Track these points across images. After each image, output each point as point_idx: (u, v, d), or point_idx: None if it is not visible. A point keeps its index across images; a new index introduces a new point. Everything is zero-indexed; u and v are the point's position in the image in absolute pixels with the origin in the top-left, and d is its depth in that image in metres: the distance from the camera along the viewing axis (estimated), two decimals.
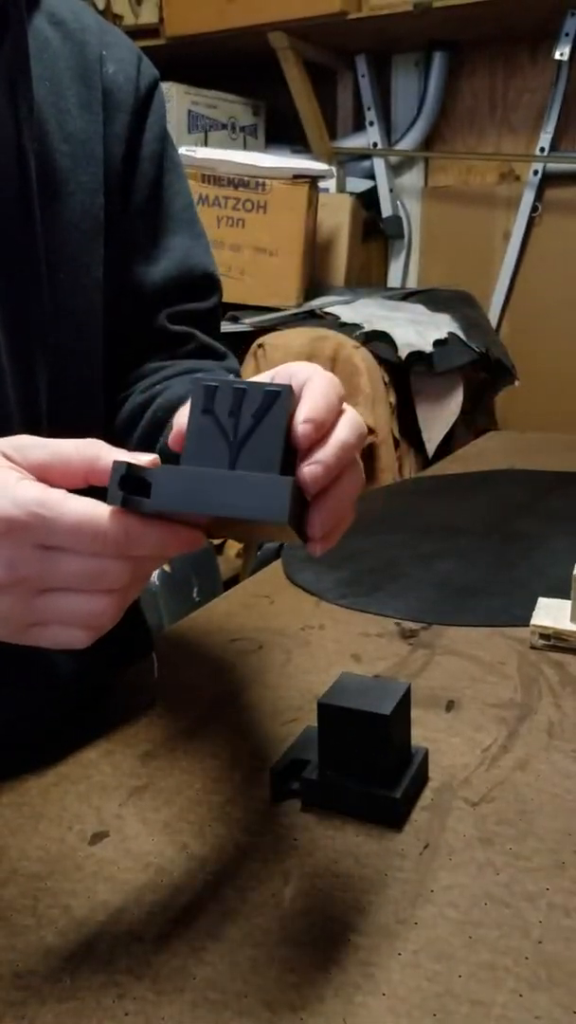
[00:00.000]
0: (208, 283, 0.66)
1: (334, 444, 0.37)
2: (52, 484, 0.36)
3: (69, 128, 0.56)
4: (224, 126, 2.23)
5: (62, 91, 0.56)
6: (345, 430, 0.37)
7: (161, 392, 0.59)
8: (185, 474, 0.34)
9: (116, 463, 0.34)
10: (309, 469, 0.35)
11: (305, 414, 0.36)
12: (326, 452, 0.36)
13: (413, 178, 2.32)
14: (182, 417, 0.37)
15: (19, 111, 0.51)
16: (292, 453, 0.36)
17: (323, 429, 0.36)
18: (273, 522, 0.34)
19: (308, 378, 0.38)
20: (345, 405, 0.39)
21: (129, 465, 0.34)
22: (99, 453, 0.36)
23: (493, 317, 2.18)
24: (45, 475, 0.36)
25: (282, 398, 0.35)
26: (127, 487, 0.34)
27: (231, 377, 0.36)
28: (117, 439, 0.62)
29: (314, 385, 0.38)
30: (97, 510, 0.34)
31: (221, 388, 0.35)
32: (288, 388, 0.36)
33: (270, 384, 0.36)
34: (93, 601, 0.35)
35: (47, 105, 0.54)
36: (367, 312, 1.85)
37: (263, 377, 0.40)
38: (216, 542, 1.71)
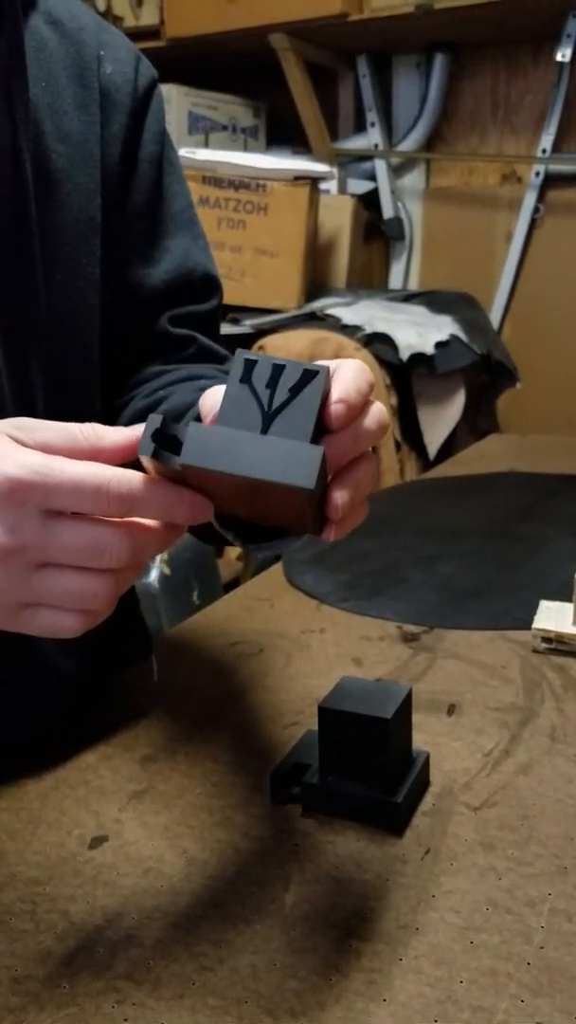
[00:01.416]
0: (208, 284, 0.66)
1: (357, 426, 0.37)
2: None
3: (65, 128, 0.56)
4: (225, 127, 2.23)
5: (59, 91, 0.56)
6: (370, 418, 0.38)
7: (165, 399, 0.59)
8: (217, 433, 0.35)
9: (151, 417, 0.35)
10: (335, 407, 0.36)
11: (338, 395, 0.36)
12: (350, 430, 0.37)
13: (414, 179, 2.31)
14: (208, 400, 0.38)
15: (15, 111, 0.51)
16: (321, 435, 0.37)
17: (355, 411, 0.37)
18: (299, 488, 0.34)
19: (339, 364, 0.39)
20: (372, 397, 0.39)
21: (163, 419, 0.35)
22: (103, 435, 0.36)
23: (495, 319, 2.18)
24: (51, 452, 0.36)
25: (319, 377, 0.36)
26: (158, 439, 0.35)
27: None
28: None
29: (346, 369, 0.38)
30: (99, 468, 0.34)
31: (261, 362, 0.36)
32: (326, 369, 0.36)
33: (309, 364, 0.36)
34: (89, 580, 0.35)
35: (43, 105, 0.54)
36: (368, 314, 1.85)
37: None
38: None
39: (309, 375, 0.36)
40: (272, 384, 0.36)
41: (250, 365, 0.36)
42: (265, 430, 0.35)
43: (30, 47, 0.53)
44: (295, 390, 0.36)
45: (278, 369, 0.36)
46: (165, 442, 0.35)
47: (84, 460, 0.36)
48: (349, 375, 0.38)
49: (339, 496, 0.36)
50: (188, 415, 0.53)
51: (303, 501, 0.35)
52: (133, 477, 0.35)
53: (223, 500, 0.37)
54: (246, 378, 0.36)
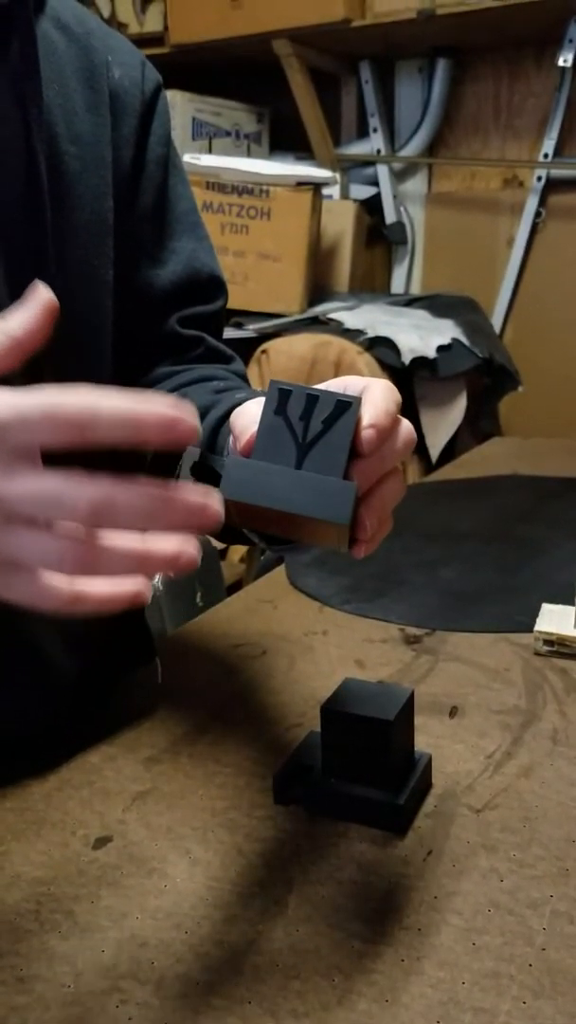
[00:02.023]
0: (214, 285, 0.66)
1: (385, 448, 0.38)
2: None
3: (77, 131, 0.56)
4: (228, 133, 2.24)
5: (69, 94, 0.56)
6: (398, 439, 0.39)
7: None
8: (254, 467, 0.36)
9: (188, 449, 0.36)
10: (366, 433, 0.36)
11: (369, 419, 0.37)
12: (379, 452, 0.38)
13: (416, 184, 2.32)
14: (242, 418, 0.38)
15: (29, 113, 0.52)
16: (352, 457, 0.38)
17: (384, 435, 0.38)
18: (335, 523, 0.36)
19: (367, 386, 0.40)
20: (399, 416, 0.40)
21: (202, 452, 0.37)
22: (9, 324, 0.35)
23: (497, 323, 2.18)
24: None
25: (352, 408, 0.37)
26: (197, 472, 0.36)
27: (303, 385, 0.38)
28: None
29: (375, 392, 0.39)
30: (63, 394, 0.32)
31: (295, 392, 0.37)
32: (358, 400, 0.37)
33: (343, 395, 0.37)
34: (54, 541, 0.32)
35: (55, 107, 0.55)
36: (370, 318, 1.85)
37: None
38: (219, 547, 1.71)
39: (343, 406, 0.37)
40: (306, 416, 0.37)
41: (284, 396, 0.37)
42: (300, 463, 0.37)
43: (41, 50, 0.54)
44: (328, 421, 0.37)
45: (312, 400, 0.37)
46: (203, 474, 0.36)
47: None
48: (379, 396, 0.38)
49: (368, 519, 0.38)
50: (221, 433, 0.52)
51: (338, 530, 0.37)
52: (88, 396, 0.32)
53: (261, 521, 0.38)
54: (280, 409, 0.37)
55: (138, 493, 0.32)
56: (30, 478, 0.33)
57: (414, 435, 0.40)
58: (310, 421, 0.37)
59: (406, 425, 0.40)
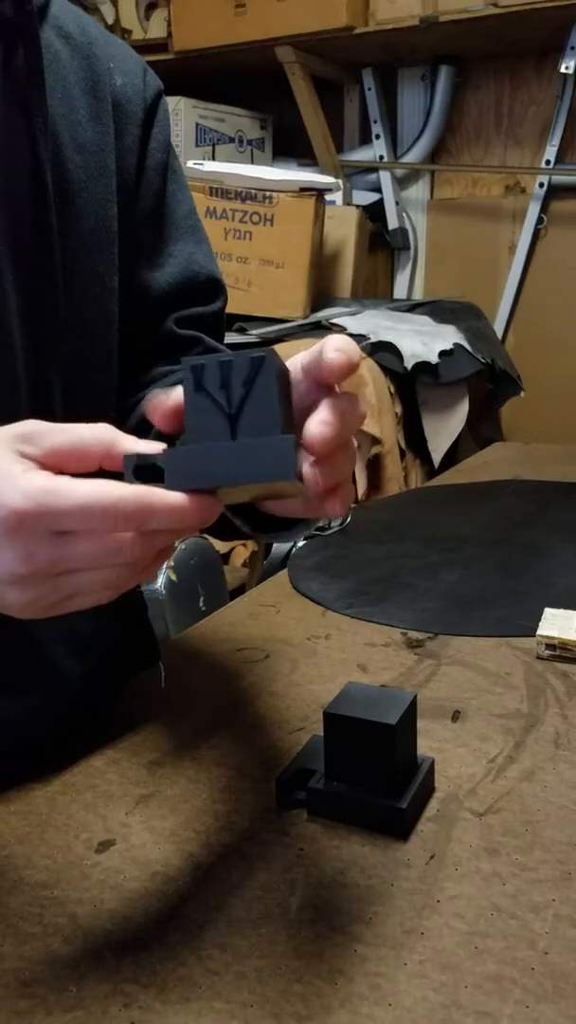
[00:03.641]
0: (213, 287, 0.67)
1: (338, 412, 0.37)
2: (66, 469, 0.36)
3: (81, 139, 0.57)
4: (231, 140, 2.25)
5: (73, 103, 0.57)
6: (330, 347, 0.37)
7: None
8: (192, 453, 0.36)
9: (126, 456, 0.36)
10: (318, 430, 0.36)
11: (335, 344, 0.36)
12: (331, 415, 0.36)
13: (419, 190, 2.33)
14: (159, 396, 0.38)
15: (34, 123, 0.52)
16: (288, 411, 0.37)
17: (353, 364, 0.36)
18: (282, 480, 0.35)
19: (324, 340, 0.39)
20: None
21: (138, 455, 0.36)
22: (115, 438, 0.37)
23: (499, 328, 2.19)
24: (60, 461, 0.36)
25: (267, 362, 0.36)
26: (141, 476, 0.36)
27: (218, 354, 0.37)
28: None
29: (331, 339, 0.38)
30: (105, 488, 0.34)
31: (208, 364, 0.36)
32: (271, 352, 0.36)
33: (254, 352, 0.37)
34: (113, 572, 0.36)
35: (59, 117, 0.55)
36: (373, 323, 1.86)
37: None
38: (223, 551, 1.71)
39: (257, 362, 0.36)
40: (225, 384, 0.36)
41: (199, 371, 0.36)
42: (234, 433, 0.36)
43: (45, 60, 0.54)
44: (248, 382, 0.36)
45: (226, 366, 0.36)
46: (147, 474, 0.36)
47: (94, 463, 0.36)
48: (338, 337, 0.38)
49: (318, 475, 0.36)
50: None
51: (294, 486, 0.36)
52: (139, 494, 0.35)
53: (227, 497, 0.38)
54: (199, 386, 0.36)
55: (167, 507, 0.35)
56: (80, 544, 0.35)
57: (364, 410, 0.39)
58: (231, 388, 0.36)
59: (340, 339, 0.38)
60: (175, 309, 0.64)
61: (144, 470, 0.36)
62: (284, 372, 0.38)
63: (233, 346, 0.70)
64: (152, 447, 0.37)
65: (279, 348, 1.78)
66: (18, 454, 0.36)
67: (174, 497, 0.35)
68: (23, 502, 0.34)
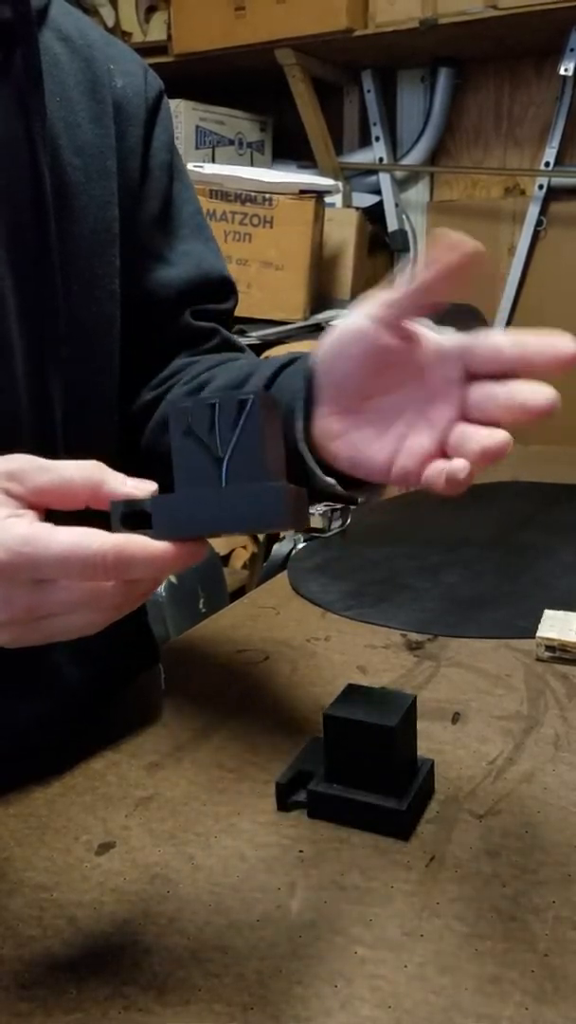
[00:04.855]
0: (225, 286, 0.67)
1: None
2: (52, 508, 0.36)
3: (80, 142, 0.57)
4: (231, 142, 2.25)
5: (72, 106, 0.57)
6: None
7: (209, 381, 0.58)
8: (180, 500, 0.35)
9: (113, 503, 0.35)
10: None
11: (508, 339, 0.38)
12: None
13: (418, 192, 2.33)
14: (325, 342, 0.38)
15: (33, 127, 0.52)
16: (281, 452, 0.37)
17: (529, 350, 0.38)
18: (274, 529, 0.35)
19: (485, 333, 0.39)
20: None
21: (126, 503, 0.35)
22: (102, 477, 0.36)
23: (498, 330, 2.19)
24: (46, 499, 0.36)
25: (252, 404, 0.35)
26: (128, 523, 0.35)
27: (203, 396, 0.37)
28: (137, 448, 0.62)
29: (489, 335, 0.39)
30: (84, 539, 0.33)
31: (195, 407, 0.36)
32: (256, 393, 0.36)
33: (241, 392, 0.36)
34: (94, 615, 0.35)
35: (58, 120, 0.55)
36: None
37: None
38: (222, 553, 1.72)
39: (242, 404, 0.35)
40: (213, 426, 0.35)
41: (184, 414, 0.36)
42: (223, 479, 0.35)
43: (44, 63, 0.54)
44: (236, 425, 0.35)
45: (212, 409, 0.35)
46: (134, 521, 0.35)
47: (81, 502, 0.36)
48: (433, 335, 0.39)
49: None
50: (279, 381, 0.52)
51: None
52: (120, 544, 0.34)
53: (216, 535, 0.38)
54: (188, 430, 0.36)
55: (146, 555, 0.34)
56: (59, 591, 0.35)
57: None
58: (219, 431, 0.35)
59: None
60: (191, 304, 0.64)
61: (132, 517, 0.35)
62: (274, 412, 0.37)
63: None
64: (142, 486, 0.36)
65: (278, 350, 1.78)
66: (4, 493, 0.36)
67: (157, 547, 0.34)
68: (1, 552, 0.34)
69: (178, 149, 0.67)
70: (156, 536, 0.34)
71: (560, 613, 0.71)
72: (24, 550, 0.34)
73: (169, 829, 0.49)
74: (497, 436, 0.38)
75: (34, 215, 0.52)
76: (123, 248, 0.59)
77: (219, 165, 2.07)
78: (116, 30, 2.17)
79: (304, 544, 0.99)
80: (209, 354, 0.65)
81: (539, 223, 2.14)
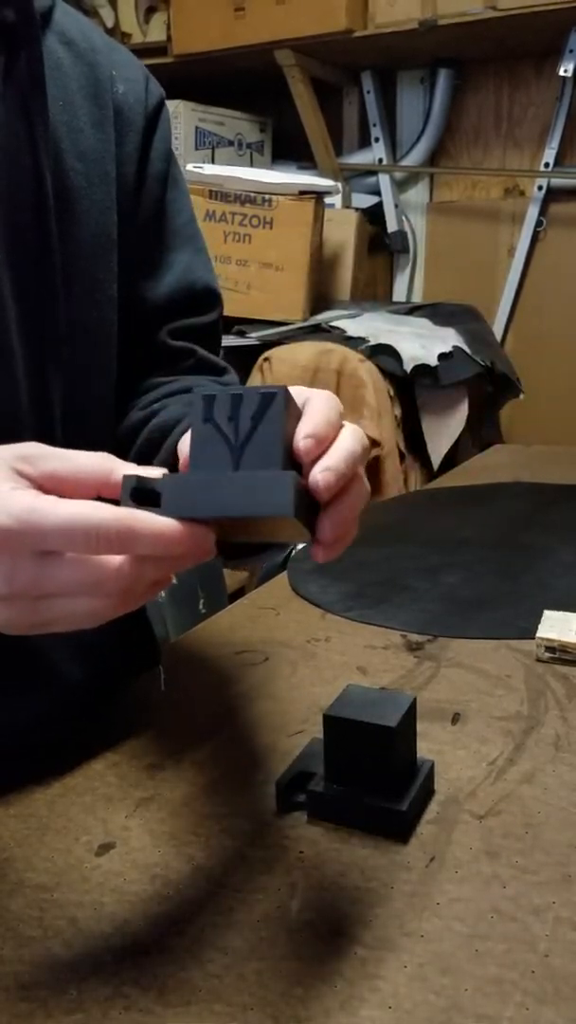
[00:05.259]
0: (209, 297, 0.67)
1: (341, 451, 0.37)
2: (63, 494, 0.36)
3: (82, 147, 0.57)
4: (231, 143, 2.25)
5: (75, 110, 0.57)
6: (349, 440, 0.38)
7: (157, 412, 0.60)
8: (191, 481, 0.36)
9: (125, 476, 0.36)
10: (322, 476, 0.36)
11: (306, 431, 0.37)
12: (335, 459, 0.37)
13: (418, 193, 2.33)
14: (184, 445, 0.38)
15: (35, 130, 0.52)
16: (294, 462, 0.37)
17: (324, 443, 0.37)
18: (279, 516, 0.35)
19: (308, 398, 0.39)
20: (345, 421, 0.40)
21: (138, 478, 0.36)
22: (113, 467, 0.36)
23: (498, 331, 2.19)
24: (57, 485, 0.36)
25: (278, 398, 0.36)
26: (137, 499, 0.35)
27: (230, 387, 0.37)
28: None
29: (314, 404, 0.38)
30: (89, 509, 0.34)
31: (219, 396, 0.36)
32: (284, 389, 0.36)
33: (267, 387, 0.37)
34: (94, 602, 0.35)
35: (60, 124, 0.55)
36: (372, 326, 1.86)
37: None
38: None
39: (268, 399, 0.36)
40: (234, 416, 0.36)
41: (209, 401, 0.36)
42: (236, 465, 0.35)
43: (47, 66, 0.54)
44: (257, 417, 0.36)
45: (237, 399, 0.36)
46: (144, 497, 0.35)
47: (91, 491, 0.36)
48: (317, 408, 0.38)
49: (328, 524, 0.37)
50: (162, 452, 0.53)
51: (292, 523, 0.36)
52: (123, 516, 0.34)
53: (223, 531, 0.38)
54: (208, 416, 0.36)
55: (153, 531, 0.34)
56: (62, 568, 0.34)
57: (366, 438, 0.39)
58: (239, 420, 0.36)
59: (354, 428, 0.39)
60: (169, 320, 0.64)
61: (141, 493, 0.35)
62: (296, 411, 0.37)
63: (232, 348, 0.70)
64: (152, 472, 0.36)
65: (278, 351, 1.78)
66: (14, 471, 0.36)
67: (161, 522, 0.34)
68: (6, 519, 0.34)
69: (176, 152, 0.67)
70: (163, 514, 0.35)
71: (560, 614, 0.71)
72: (30, 518, 0.33)
73: (169, 830, 0.49)
74: None
75: (35, 218, 0.52)
76: (120, 253, 0.59)
77: (219, 166, 2.07)
78: (116, 31, 2.18)
79: (303, 545, 0.99)
80: (184, 375, 0.65)
81: (539, 224, 2.14)
